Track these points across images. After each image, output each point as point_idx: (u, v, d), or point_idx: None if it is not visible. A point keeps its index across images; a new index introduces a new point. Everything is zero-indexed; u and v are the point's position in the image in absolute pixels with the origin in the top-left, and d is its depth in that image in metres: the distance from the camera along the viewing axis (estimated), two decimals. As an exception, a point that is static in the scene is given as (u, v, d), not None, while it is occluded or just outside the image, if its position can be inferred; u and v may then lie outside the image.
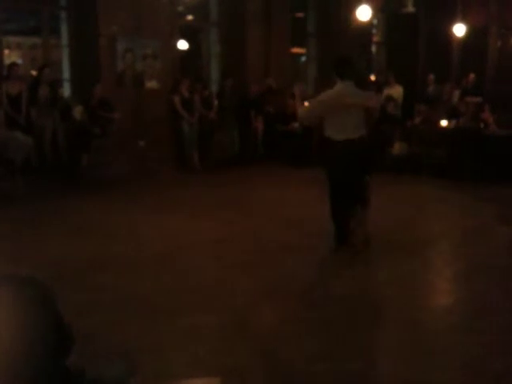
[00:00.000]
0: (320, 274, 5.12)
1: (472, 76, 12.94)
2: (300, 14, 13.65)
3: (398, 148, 10.35)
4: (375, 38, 15.34)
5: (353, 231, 5.62)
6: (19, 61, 11.15)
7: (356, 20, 11.80)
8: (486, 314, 4.21)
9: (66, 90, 10.09)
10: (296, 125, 11.31)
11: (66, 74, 10.03)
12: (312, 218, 6.92)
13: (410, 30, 14.42)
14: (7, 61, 9.76)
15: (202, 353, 3.53)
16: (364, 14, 11.52)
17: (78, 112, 9.34)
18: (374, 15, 13.09)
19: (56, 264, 5.09)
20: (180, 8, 11.56)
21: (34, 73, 9.88)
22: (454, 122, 10.40)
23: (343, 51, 12.96)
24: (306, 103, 6.30)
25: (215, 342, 3.69)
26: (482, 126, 10.10)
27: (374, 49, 15.44)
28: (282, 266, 5.26)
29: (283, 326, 3.96)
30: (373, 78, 14.38)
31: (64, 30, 9.89)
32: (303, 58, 14.37)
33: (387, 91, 11.82)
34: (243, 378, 3.24)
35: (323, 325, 4.01)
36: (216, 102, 11.29)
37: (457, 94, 12.72)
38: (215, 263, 5.32)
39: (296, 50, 13.81)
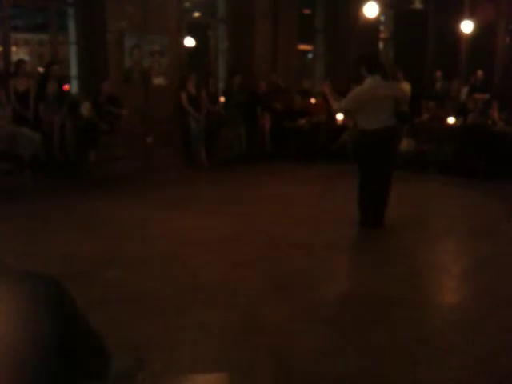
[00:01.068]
0: (328, 272, 5.10)
1: (480, 73, 12.87)
2: (307, 11, 13.62)
3: (405, 145, 10.32)
4: (383, 35, 15.28)
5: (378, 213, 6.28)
6: (26, 57, 11.18)
7: (364, 16, 11.76)
8: (493, 311, 4.19)
9: (74, 87, 10.11)
10: (303, 121, 11.31)
11: (74, 70, 10.06)
12: (320, 214, 6.92)
13: (417, 27, 14.37)
14: (15, 57, 9.79)
15: (209, 349, 3.53)
16: (371, 10, 11.48)
17: (85, 108, 9.36)
18: (382, 11, 13.04)
19: (63, 260, 5.10)
20: (187, 4, 11.56)
21: (41, 69, 9.90)
22: (461, 118, 10.36)
23: (351, 48, 12.95)
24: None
25: (223, 339, 3.69)
26: (489, 122, 10.06)
27: (381, 45, 15.38)
28: (291, 264, 5.26)
29: (291, 324, 3.95)
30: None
31: (71, 26, 9.91)
32: (310, 55, 14.34)
33: (395, 88, 11.77)
34: (251, 375, 3.24)
35: (331, 322, 4.01)
36: (223, 99, 11.30)
37: (465, 90, 12.67)
38: (223, 260, 5.31)
39: (303, 46, 13.78)
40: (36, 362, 1.13)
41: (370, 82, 6.11)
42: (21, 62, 9.01)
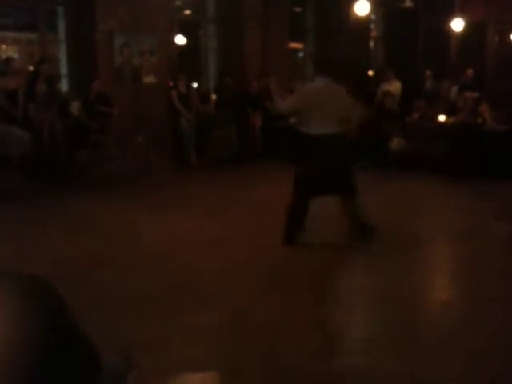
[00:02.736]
0: (321, 272, 5.10)
1: (470, 71, 12.92)
2: (298, 9, 13.61)
3: (396, 143, 10.34)
4: (373, 33, 15.31)
5: (352, 223, 5.71)
6: (16, 56, 11.11)
7: (354, 15, 11.78)
8: (481, 310, 4.20)
9: (63, 86, 10.06)
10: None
11: (63, 69, 10.00)
12: (312, 214, 6.91)
13: (408, 26, 14.40)
14: (3, 56, 9.72)
15: (202, 350, 3.52)
16: (362, 8, 11.50)
17: (75, 107, 9.32)
18: (373, 10, 13.06)
19: (56, 262, 5.07)
20: (178, 3, 11.53)
21: (30, 68, 9.85)
22: (452, 117, 10.40)
23: (342, 46, 12.95)
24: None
25: (216, 339, 3.68)
26: (479, 121, 10.10)
27: (371, 44, 15.41)
28: (284, 264, 5.25)
29: (284, 324, 3.95)
30: (371, 73, 14.38)
31: (61, 25, 9.86)
32: (301, 54, 14.34)
33: (385, 86, 11.80)
34: (243, 375, 3.23)
35: (324, 322, 4.01)
36: (213, 98, 11.27)
37: (455, 89, 12.71)
38: (216, 261, 5.30)
39: (294, 45, 13.78)
40: (23, 362, 1.11)
41: (319, 83, 5.74)
42: (10, 60, 8.95)
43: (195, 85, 10.80)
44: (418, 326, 3.96)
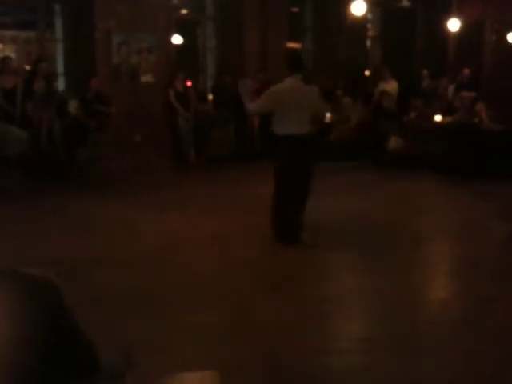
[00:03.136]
0: (321, 272, 5.11)
1: (467, 71, 12.94)
2: (296, 9, 13.62)
3: (393, 143, 10.36)
4: (370, 33, 15.32)
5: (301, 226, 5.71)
6: (13, 55, 11.10)
7: (351, 15, 11.79)
8: (481, 310, 4.22)
9: (61, 85, 10.06)
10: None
11: (61, 68, 10.00)
12: (311, 213, 6.92)
13: (405, 25, 14.41)
14: (1, 55, 9.71)
15: (199, 348, 3.53)
16: (359, 8, 11.51)
17: (73, 106, 9.31)
18: (369, 9, 13.07)
19: (55, 262, 5.05)
20: (176, 2, 11.52)
21: (28, 67, 9.84)
22: (448, 116, 10.42)
23: (340, 46, 12.97)
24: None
25: (216, 338, 3.69)
26: (476, 120, 10.12)
27: (369, 43, 15.42)
28: (283, 264, 5.26)
29: (284, 324, 3.96)
30: (367, 72, 14.40)
31: (59, 24, 9.85)
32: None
33: (382, 86, 11.82)
34: (243, 374, 3.25)
35: (324, 322, 4.03)
36: (211, 97, 11.27)
37: (452, 88, 12.73)
38: (215, 260, 5.32)
39: (291, 44, 13.78)
40: (23, 362, 1.12)
41: (289, 82, 5.69)
42: (7, 59, 8.93)
43: (189, 83, 10.76)
44: (417, 326, 3.97)
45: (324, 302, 4.36)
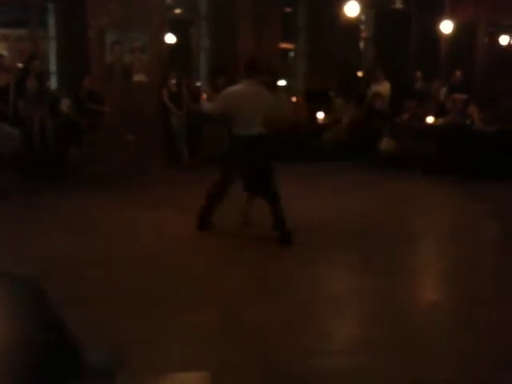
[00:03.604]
0: (313, 272, 5.11)
1: (459, 73, 13.00)
2: (289, 9, 13.62)
3: (385, 144, 10.40)
4: (364, 34, 15.35)
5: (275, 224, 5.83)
6: (5, 53, 11.05)
7: (345, 16, 11.80)
8: (475, 311, 4.24)
9: (53, 83, 10.02)
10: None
11: (53, 66, 9.96)
12: (302, 212, 6.93)
13: (399, 27, 14.45)
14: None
15: (192, 348, 3.53)
16: (352, 9, 11.52)
17: (65, 105, 9.28)
18: (363, 11, 13.09)
19: (47, 260, 5.05)
20: (170, 1, 11.51)
21: (20, 65, 9.80)
22: (440, 118, 10.47)
23: (333, 47, 12.99)
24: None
25: (208, 337, 3.69)
26: (468, 122, 10.17)
27: (362, 45, 15.45)
28: (276, 263, 5.27)
29: (274, 323, 3.97)
30: (360, 74, 14.43)
31: (51, 22, 9.81)
32: (291, 54, 14.35)
33: (375, 87, 11.86)
34: (237, 374, 3.25)
35: (321, 322, 4.04)
36: (205, 96, 11.24)
37: (444, 90, 12.78)
38: (208, 259, 5.32)
39: (284, 45, 13.79)
40: (11, 362, 1.12)
41: (241, 85, 6.00)
42: (-1, 57, 8.90)
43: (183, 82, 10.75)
44: (417, 326, 3.98)
45: (323, 303, 4.37)
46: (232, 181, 6.03)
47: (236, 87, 6.05)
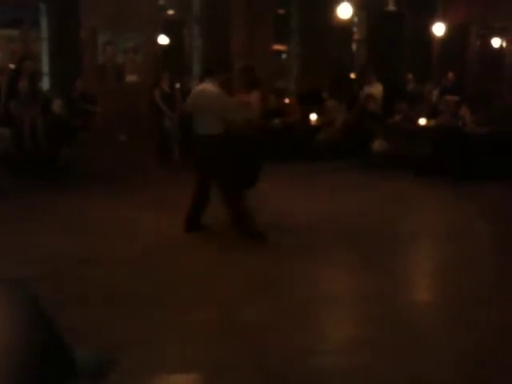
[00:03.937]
0: (309, 271, 5.11)
1: (451, 75, 13.05)
2: (282, 11, 13.65)
3: (377, 145, 10.42)
4: (356, 36, 15.39)
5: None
6: (-3, 53, 11.01)
7: (337, 17, 11.83)
8: (471, 311, 4.24)
9: (46, 84, 9.99)
10: (277, 121, 11.33)
11: (46, 67, 9.93)
12: (299, 212, 6.94)
13: (391, 29, 14.50)
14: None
15: (194, 348, 3.52)
16: (345, 11, 11.55)
17: (57, 106, 9.25)
18: (356, 13, 13.13)
19: (47, 260, 5.03)
20: (162, 1, 11.50)
21: (12, 65, 9.76)
22: (433, 119, 10.50)
23: (326, 48, 13.01)
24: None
25: (205, 337, 3.69)
26: (460, 123, 10.20)
27: (354, 46, 15.49)
28: (272, 262, 5.26)
29: (277, 322, 3.96)
30: (353, 75, 14.47)
31: (44, 22, 9.78)
32: (284, 55, 14.37)
33: (368, 89, 11.88)
34: (235, 373, 3.25)
35: (313, 321, 4.04)
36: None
37: (436, 92, 12.83)
38: (207, 259, 5.31)
39: (277, 46, 13.81)
40: (9, 363, 1.12)
41: (200, 86, 6.29)
42: (-10, 57, 8.86)
43: (178, 85, 10.76)
44: (411, 327, 3.99)
45: (321, 302, 4.38)
46: (205, 179, 6.06)
47: (195, 88, 6.30)
